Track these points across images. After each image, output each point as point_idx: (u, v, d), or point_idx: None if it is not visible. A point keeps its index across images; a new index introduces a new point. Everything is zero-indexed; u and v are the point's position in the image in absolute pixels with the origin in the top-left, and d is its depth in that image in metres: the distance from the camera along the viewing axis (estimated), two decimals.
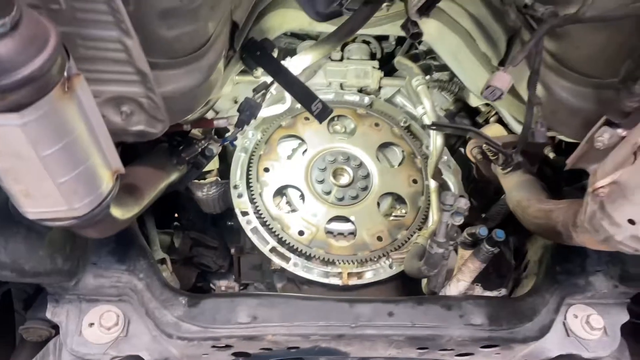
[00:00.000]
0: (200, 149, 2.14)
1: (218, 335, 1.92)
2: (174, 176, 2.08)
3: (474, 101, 2.66)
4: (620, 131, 1.58)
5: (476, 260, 2.03)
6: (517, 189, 2.10)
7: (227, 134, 2.34)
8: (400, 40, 2.94)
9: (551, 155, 2.26)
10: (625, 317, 2.16)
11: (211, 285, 3.14)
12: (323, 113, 1.99)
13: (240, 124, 1.98)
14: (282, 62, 2.14)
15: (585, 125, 1.66)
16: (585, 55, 1.58)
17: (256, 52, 2.00)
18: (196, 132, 2.27)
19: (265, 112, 2.31)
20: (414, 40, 2.60)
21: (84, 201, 1.30)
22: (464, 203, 1.82)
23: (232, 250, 2.80)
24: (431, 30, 2.28)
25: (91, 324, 1.93)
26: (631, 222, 1.45)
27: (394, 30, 2.22)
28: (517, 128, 2.31)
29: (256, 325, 1.92)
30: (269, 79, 2.08)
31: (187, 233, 2.88)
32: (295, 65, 2.16)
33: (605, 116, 1.57)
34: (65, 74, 1.06)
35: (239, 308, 1.95)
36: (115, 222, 1.61)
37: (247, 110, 1.95)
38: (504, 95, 1.40)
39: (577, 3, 1.38)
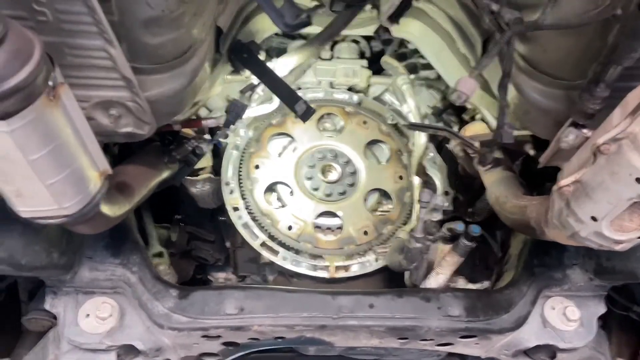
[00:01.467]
0: (191, 148, 2.22)
1: (207, 326, 2.01)
2: (165, 174, 2.17)
3: None
4: (586, 132, 1.65)
5: (455, 255, 2.10)
6: (496, 185, 2.16)
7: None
8: (388, 40, 2.99)
9: (531, 152, 2.32)
10: (602, 309, 2.21)
11: (209, 277, 3.23)
12: (306, 113, 2.07)
13: (227, 124, 2.07)
14: (269, 63, 2.22)
15: (556, 125, 1.73)
16: (553, 58, 1.64)
17: (243, 54, 2.08)
18: (188, 130, 2.35)
19: (253, 111, 2.39)
20: (385, 46, 2.67)
21: (73, 200, 1.39)
22: (440, 200, 1.90)
23: (228, 244, 2.90)
24: (415, 31, 2.35)
25: (87, 315, 2.02)
26: (594, 219, 1.52)
27: None
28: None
29: (243, 317, 2.01)
30: (256, 79, 2.16)
31: (183, 227, 2.97)
32: (281, 66, 2.24)
33: (571, 117, 1.65)
34: (51, 83, 1.15)
35: (226, 300, 2.04)
36: (106, 219, 1.70)
37: (234, 111, 2.03)
38: (470, 98, 1.47)
39: (541, 10, 1.44)
